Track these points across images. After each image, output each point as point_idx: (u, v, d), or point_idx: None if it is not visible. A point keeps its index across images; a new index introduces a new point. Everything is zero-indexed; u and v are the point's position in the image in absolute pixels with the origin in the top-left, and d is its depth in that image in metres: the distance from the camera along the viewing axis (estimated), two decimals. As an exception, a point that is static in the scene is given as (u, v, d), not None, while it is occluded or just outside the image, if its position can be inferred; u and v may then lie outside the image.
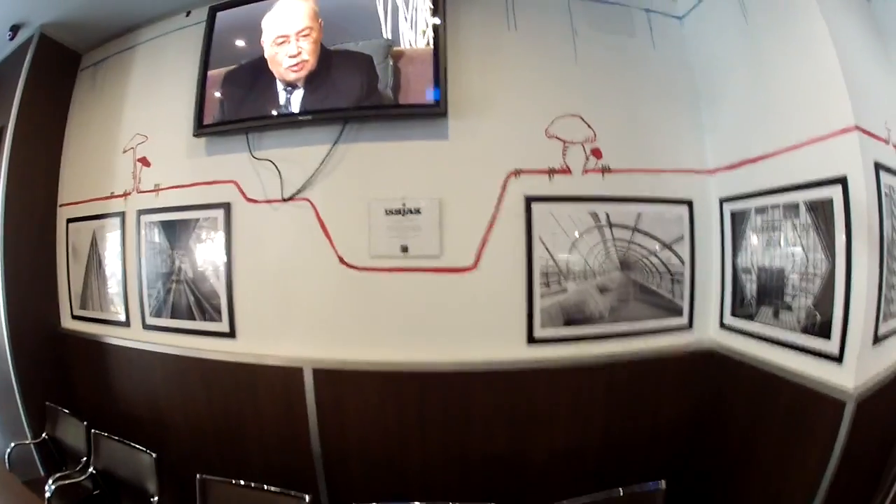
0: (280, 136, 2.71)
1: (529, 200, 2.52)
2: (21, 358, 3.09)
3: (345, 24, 2.60)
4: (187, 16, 3.06)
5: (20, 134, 3.15)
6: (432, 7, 2.52)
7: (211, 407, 2.81)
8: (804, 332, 2.09)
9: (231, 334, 2.76)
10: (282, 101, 2.64)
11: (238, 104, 2.73)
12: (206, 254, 2.83)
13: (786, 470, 2.13)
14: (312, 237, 2.62)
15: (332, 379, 2.56)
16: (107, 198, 3.18)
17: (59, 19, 3.14)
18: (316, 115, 2.60)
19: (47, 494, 2.44)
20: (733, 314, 2.52)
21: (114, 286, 3.17)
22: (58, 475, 2.63)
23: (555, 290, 2.53)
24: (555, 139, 2.56)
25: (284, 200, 2.67)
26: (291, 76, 2.59)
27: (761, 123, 2.34)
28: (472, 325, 2.53)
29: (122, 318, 3.10)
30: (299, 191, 2.65)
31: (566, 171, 2.56)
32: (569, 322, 2.54)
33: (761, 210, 2.32)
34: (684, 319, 2.64)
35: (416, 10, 2.55)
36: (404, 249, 2.53)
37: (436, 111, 2.49)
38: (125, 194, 3.10)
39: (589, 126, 2.58)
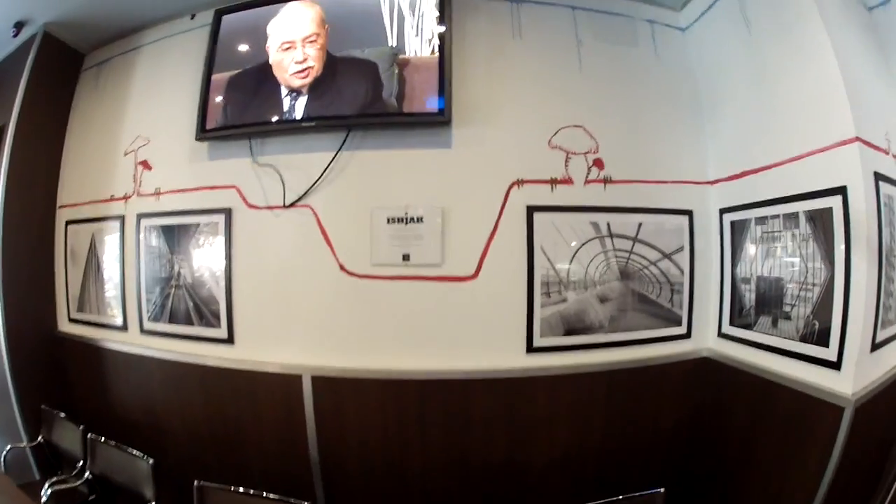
0: (283, 142, 2.71)
1: (531, 210, 2.53)
2: (17, 360, 3.06)
3: (351, 31, 2.60)
4: (192, 18, 3.05)
5: (21, 132, 3.12)
6: (438, 15, 2.54)
7: (209, 413, 2.79)
8: (803, 340, 2.12)
9: (230, 340, 2.74)
10: (286, 106, 2.63)
11: (241, 109, 2.72)
12: (206, 259, 2.82)
13: (785, 474, 2.15)
14: (313, 244, 2.62)
15: (332, 386, 2.55)
16: (107, 200, 3.16)
17: (62, 18, 3.12)
18: (320, 122, 2.59)
19: (43, 499, 2.41)
20: (732, 323, 2.55)
21: (112, 290, 3.15)
22: (54, 479, 2.61)
23: (555, 300, 2.54)
24: (558, 149, 2.58)
25: (286, 207, 2.67)
26: (297, 82, 2.59)
27: (763, 134, 2.36)
28: (472, 334, 2.53)
29: (120, 322, 3.08)
30: (301, 197, 2.65)
31: (568, 181, 2.57)
32: (569, 331, 2.55)
33: (761, 220, 2.35)
34: (683, 329, 2.67)
35: (422, 17, 2.56)
36: (406, 258, 2.54)
37: (440, 120, 2.50)
38: (125, 197, 3.09)
39: (591, 137, 2.61)
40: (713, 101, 2.69)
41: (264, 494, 2.07)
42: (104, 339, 3.12)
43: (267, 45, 2.67)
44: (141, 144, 3.08)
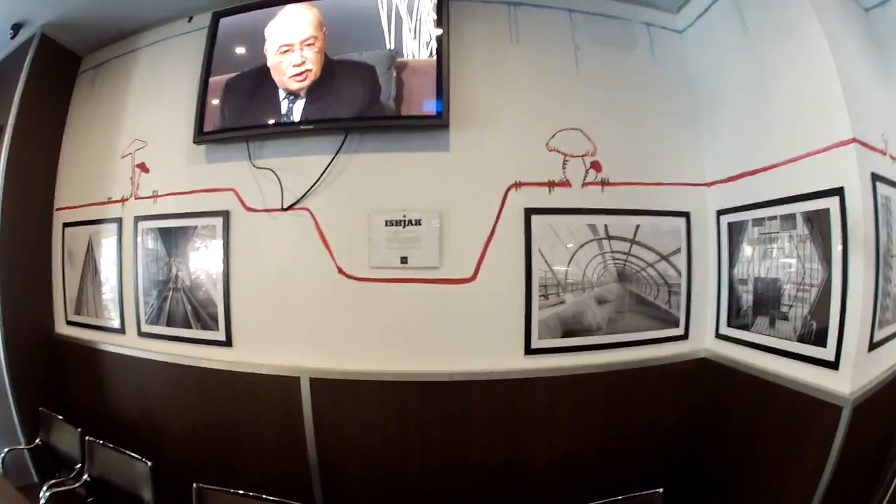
0: (281, 145, 2.71)
1: (529, 212, 2.54)
2: (15, 362, 3.05)
3: (349, 34, 2.60)
4: (189, 21, 3.05)
5: (18, 134, 3.11)
6: (436, 18, 2.54)
7: (207, 415, 2.79)
8: (800, 340, 2.13)
9: (228, 343, 2.74)
10: (284, 109, 2.64)
11: (239, 112, 2.72)
12: (204, 262, 2.82)
13: (784, 473, 2.16)
14: (311, 247, 2.62)
15: (330, 388, 2.56)
16: (104, 203, 3.16)
17: (60, 19, 3.12)
18: (318, 125, 2.59)
19: (42, 501, 2.40)
20: (729, 324, 2.56)
21: (109, 293, 3.14)
22: (52, 482, 2.60)
23: (553, 302, 2.55)
24: (555, 152, 2.59)
25: (284, 210, 2.67)
26: (295, 85, 2.59)
27: (760, 136, 2.37)
28: (471, 336, 2.54)
29: (117, 324, 3.07)
30: (299, 200, 2.65)
31: (566, 183, 2.58)
32: (567, 333, 2.56)
33: (758, 221, 2.36)
34: (681, 330, 2.67)
35: (419, 20, 2.56)
36: (404, 260, 2.54)
37: (438, 123, 2.51)
38: (123, 200, 3.09)
39: (589, 139, 2.62)
40: (710, 103, 2.70)
41: (263, 497, 2.06)
42: (102, 342, 3.12)
43: (265, 48, 2.67)
44: (138, 147, 3.07)
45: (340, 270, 2.58)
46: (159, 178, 2.99)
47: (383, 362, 2.53)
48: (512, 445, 2.54)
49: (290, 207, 2.66)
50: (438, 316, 2.54)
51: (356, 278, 2.57)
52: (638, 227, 2.62)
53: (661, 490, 2.02)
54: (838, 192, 1.96)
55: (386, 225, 2.56)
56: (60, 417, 2.83)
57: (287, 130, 2.66)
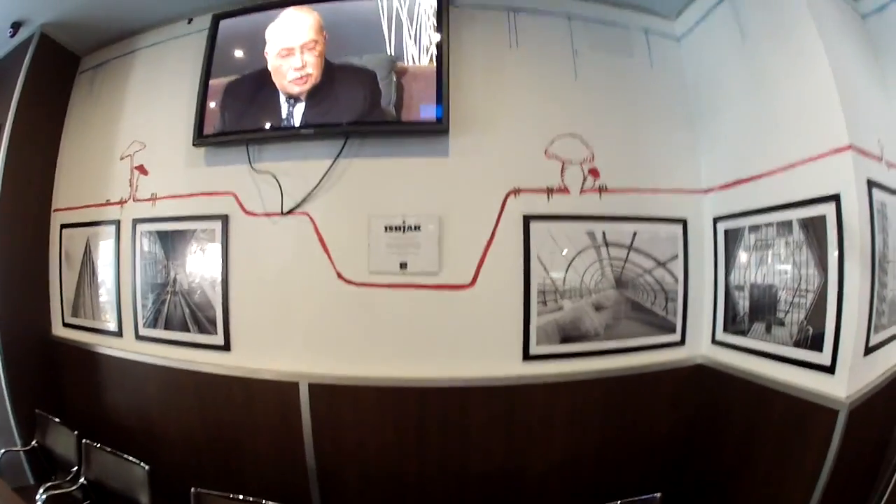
0: (281, 149, 2.71)
1: (528, 219, 2.55)
2: (11, 364, 3.03)
3: (349, 39, 2.61)
4: (189, 23, 3.05)
5: (17, 134, 3.10)
6: (436, 24, 2.55)
7: (205, 420, 2.78)
8: (796, 345, 2.14)
9: (226, 347, 2.74)
10: (284, 113, 2.64)
11: (239, 115, 2.72)
12: (203, 266, 2.81)
13: (781, 478, 2.17)
14: (310, 252, 2.62)
15: (329, 394, 2.55)
16: (102, 205, 3.15)
17: (59, 19, 3.11)
18: (318, 129, 2.59)
19: (38, 503, 2.40)
20: (725, 330, 2.57)
21: (107, 295, 3.13)
22: (48, 484, 2.58)
23: (551, 308, 2.56)
24: (554, 159, 2.60)
25: (283, 214, 2.67)
26: (295, 89, 2.59)
27: (757, 143, 2.39)
28: (470, 342, 2.55)
29: (115, 327, 3.06)
30: (299, 205, 2.65)
31: (564, 190, 2.59)
32: (565, 339, 2.57)
33: (755, 228, 2.37)
34: (677, 336, 2.69)
35: (419, 26, 2.57)
36: (403, 266, 2.54)
37: (438, 128, 2.52)
38: (121, 202, 3.08)
39: (587, 146, 2.63)
40: (708, 109, 2.72)
41: (261, 502, 2.06)
42: (99, 345, 3.11)
43: (265, 51, 2.67)
44: (137, 149, 3.07)
45: (340, 275, 2.59)
46: (158, 181, 2.99)
47: (382, 368, 2.53)
48: (510, 451, 2.55)
49: (289, 212, 2.66)
50: (437, 322, 2.55)
51: (355, 283, 2.58)
52: (635, 233, 2.63)
53: (658, 495, 2.03)
54: (835, 198, 1.98)
55: (385, 230, 2.56)
56: (57, 420, 2.81)
57: (287, 134, 2.66)
